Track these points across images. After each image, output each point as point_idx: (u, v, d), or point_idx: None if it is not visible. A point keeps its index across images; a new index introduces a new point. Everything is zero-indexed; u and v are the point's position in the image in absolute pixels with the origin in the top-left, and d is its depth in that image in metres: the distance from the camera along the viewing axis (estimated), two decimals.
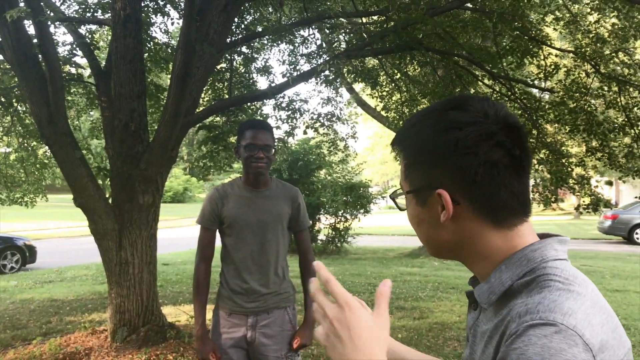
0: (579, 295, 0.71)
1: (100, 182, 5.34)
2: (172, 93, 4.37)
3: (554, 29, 7.28)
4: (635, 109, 6.25)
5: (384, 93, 8.88)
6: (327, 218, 13.02)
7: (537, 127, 6.11)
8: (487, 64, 5.83)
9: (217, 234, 2.57)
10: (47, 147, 6.44)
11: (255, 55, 7.75)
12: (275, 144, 2.75)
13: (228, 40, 5.59)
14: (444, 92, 6.41)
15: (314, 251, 10.08)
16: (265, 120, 3.17)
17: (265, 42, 7.81)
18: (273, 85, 6.05)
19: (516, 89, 6.32)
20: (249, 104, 6.89)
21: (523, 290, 0.75)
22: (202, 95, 6.32)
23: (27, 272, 10.80)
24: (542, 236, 0.83)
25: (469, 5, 6.07)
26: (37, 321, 6.20)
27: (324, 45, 7.86)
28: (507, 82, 6.26)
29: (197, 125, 6.06)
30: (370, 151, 46.10)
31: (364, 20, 7.85)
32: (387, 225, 23.15)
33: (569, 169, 6.12)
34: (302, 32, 7.85)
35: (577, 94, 6.08)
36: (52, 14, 4.41)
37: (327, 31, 7.51)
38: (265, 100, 7.05)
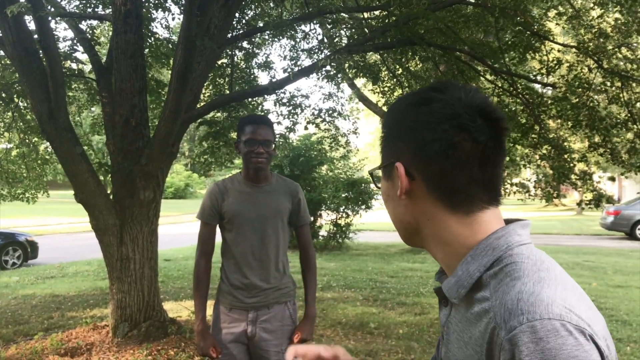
0: (551, 280, 0.71)
1: (101, 177, 5.34)
2: (172, 88, 4.35)
3: (557, 23, 7.24)
4: (638, 104, 6.22)
5: (386, 88, 8.84)
6: (328, 214, 13.02)
7: (539, 123, 6.08)
8: (489, 59, 5.81)
9: (218, 229, 2.57)
10: (48, 143, 6.44)
11: (257, 51, 7.73)
12: (276, 139, 2.74)
13: (229, 35, 5.58)
14: None
15: (316, 247, 10.11)
16: (265, 115, 3.16)
17: (266, 37, 7.78)
18: (274, 80, 6.03)
19: (518, 85, 6.29)
20: (250, 99, 6.87)
21: (491, 281, 0.74)
22: (203, 90, 6.31)
23: (28, 267, 10.82)
24: (507, 222, 0.82)
25: (470, 0, 6.04)
26: (39, 316, 6.21)
27: (325, 40, 7.82)
28: (509, 77, 6.24)
29: (198, 120, 6.04)
30: (372, 147, 46.01)
31: (366, 15, 7.82)
32: (388, 221, 22.95)
33: (572, 165, 6.09)
34: (303, 27, 7.82)
35: (580, 90, 6.05)
36: (52, 9, 4.40)
37: (329, 26, 7.46)
38: (266, 96, 7.03)
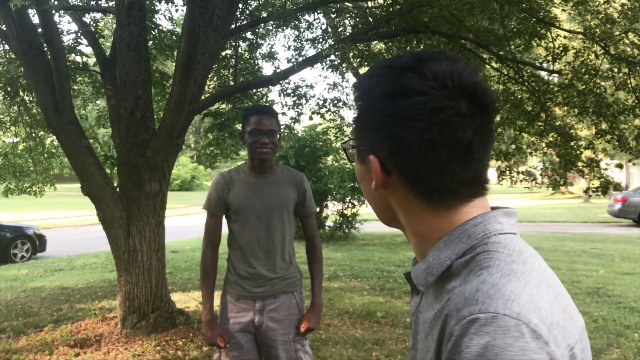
0: (523, 274, 0.64)
1: (107, 170, 5.36)
2: (177, 80, 4.35)
3: (563, 10, 7.17)
4: None
5: None
6: (334, 204, 13.02)
7: (545, 110, 6.05)
8: (494, 47, 5.76)
9: (224, 220, 2.57)
10: (54, 137, 6.47)
11: (260, 41, 7.71)
12: (281, 129, 2.74)
13: (232, 26, 5.56)
14: None
15: (322, 238, 10.12)
16: (269, 106, 3.16)
17: (270, 27, 7.76)
18: (278, 71, 6.01)
19: (524, 72, 6.25)
20: (254, 90, 6.86)
21: (462, 270, 0.68)
22: (208, 82, 6.30)
23: (37, 260, 10.91)
24: (493, 210, 0.75)
25: None
26: (48, 309, 6.27)
27: (330, 29, 7.79)
28: (514, 64, 6.19)
29: (203, 112, 6.04)
30: None
31: (370, 4, 7.77)
32: None
33: (578, 152, 6.06)
34: (307, 17, 7.79)
35: (586, 76, 6.01)
36: (56, 3, 4.39)
37: (333, 15, 7.43)
38: (270, 87, 7.02)
